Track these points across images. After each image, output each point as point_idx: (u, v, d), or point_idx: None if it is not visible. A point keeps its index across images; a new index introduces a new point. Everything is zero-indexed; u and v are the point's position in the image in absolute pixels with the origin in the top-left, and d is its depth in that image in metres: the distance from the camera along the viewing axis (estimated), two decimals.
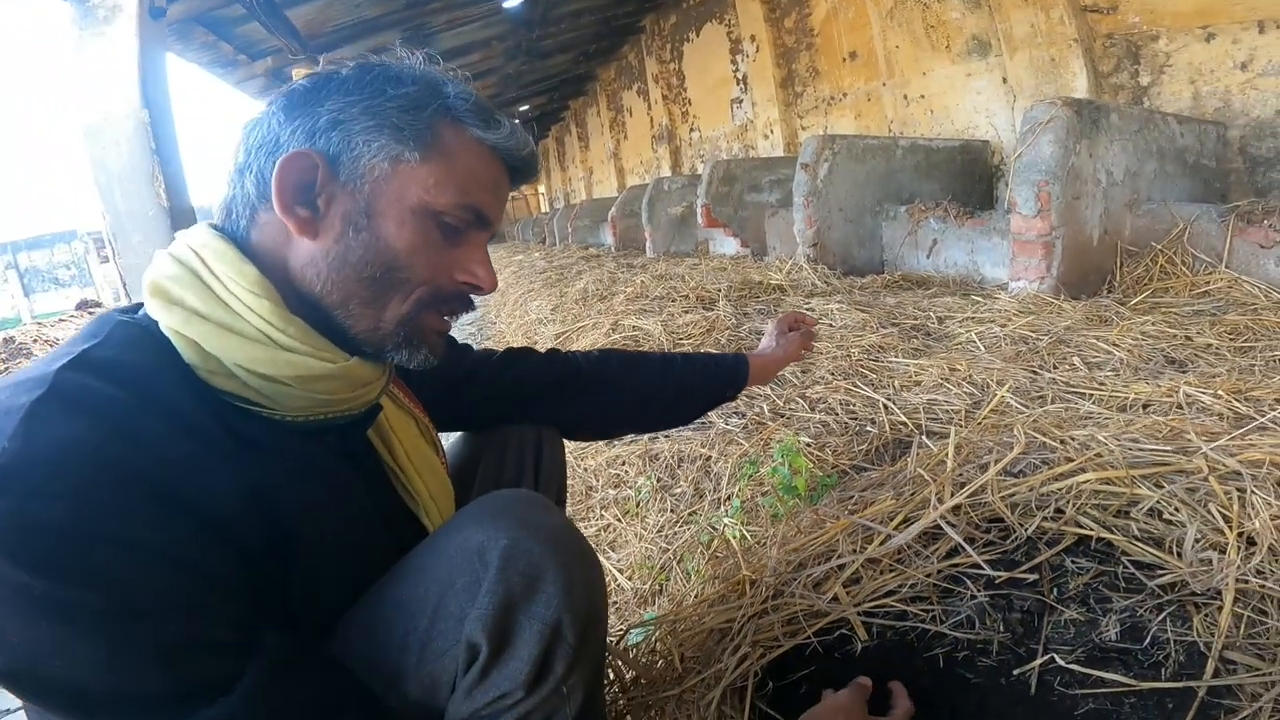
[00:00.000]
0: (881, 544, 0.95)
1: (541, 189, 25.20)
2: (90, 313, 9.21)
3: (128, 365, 0.52)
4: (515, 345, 1.07)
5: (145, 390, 0.51)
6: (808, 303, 2.88)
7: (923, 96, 4.96)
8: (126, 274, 2.74)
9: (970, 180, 4.21)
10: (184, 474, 0.49)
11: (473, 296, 0.67)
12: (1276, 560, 0.81)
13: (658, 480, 1.59)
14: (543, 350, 1.04)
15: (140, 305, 0.59)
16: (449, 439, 0.99)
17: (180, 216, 2.64)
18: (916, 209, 3.52)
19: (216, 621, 0.49)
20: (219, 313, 0.55)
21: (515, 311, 4.56)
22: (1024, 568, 0.88)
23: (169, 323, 0.55)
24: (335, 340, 0.60)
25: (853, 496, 1.15)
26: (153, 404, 0.51)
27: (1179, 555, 0.85)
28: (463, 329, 4.93)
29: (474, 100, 0.62)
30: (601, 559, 1.30)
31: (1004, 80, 4.21)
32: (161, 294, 0.55)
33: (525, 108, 14.40)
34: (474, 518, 0.61)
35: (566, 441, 1.06)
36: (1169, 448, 1.03)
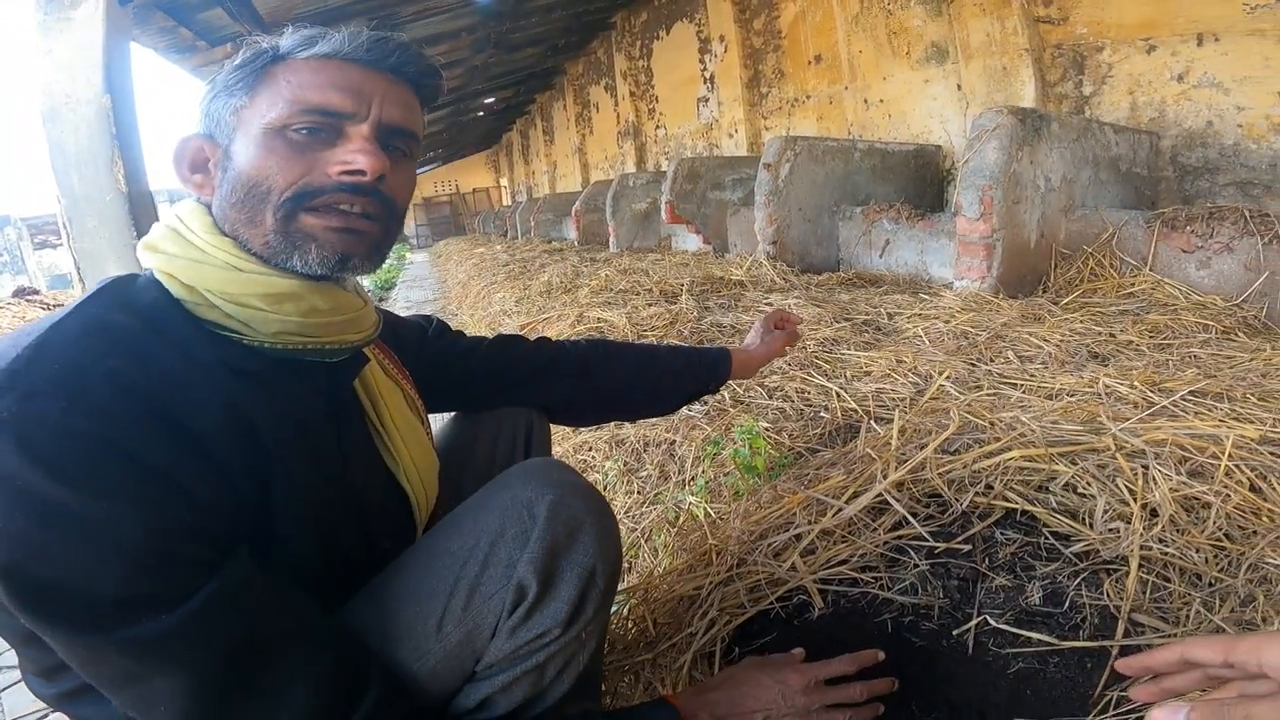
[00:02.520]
0: (834, 516, 1.03)
1: (504, 181, 24.84)
2: (28, 300, 8.75)
3: (139, 301, 0.61)
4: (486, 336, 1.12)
5: (154, 320, 0.59)
6: (767, 298, 2.98)
7: (882, 101, 5.06)
8: (81, 258, 2.65)
9: (923, 184, 4.34)
10: (179, 392, 0.55)
11: (364, 184, 0.65)
12: (1177, 530, 0.90)
13: (624, 464, 1.64)
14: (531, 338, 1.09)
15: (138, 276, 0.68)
16: (444, 419, 1.05)
17: (139, 200, 2.57)
18: (871, 210, 3.64)
19: (189, 536, 0.52)
20: (191, 252, 0.64)
21: (478, 303, 4.53)
22: (960, 539, 0.97)
23: (154, 264, 0.64)
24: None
25: (808, 474, 1.23)
26: (160, 331, 0.59)
27: (1091, 525, 0.94)
28: None
29: (303, 34, 0.67)
30: None
31: (958, 87, 4.30)
32: (150, 247, 0.65)
33: (491, 100, 14.19)
34: (520, 478, 0.69)
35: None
36: (1083, 428, 1.13)
